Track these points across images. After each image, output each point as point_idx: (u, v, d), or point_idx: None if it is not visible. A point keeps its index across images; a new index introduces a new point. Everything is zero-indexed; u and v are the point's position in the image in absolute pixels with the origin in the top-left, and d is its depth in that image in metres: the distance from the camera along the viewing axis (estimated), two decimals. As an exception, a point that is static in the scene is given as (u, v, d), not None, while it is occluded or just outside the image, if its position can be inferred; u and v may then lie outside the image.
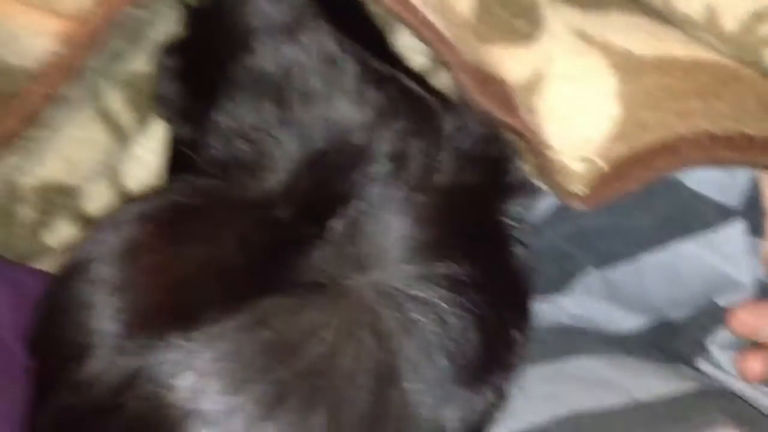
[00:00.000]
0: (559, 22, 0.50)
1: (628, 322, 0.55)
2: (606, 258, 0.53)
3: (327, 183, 0.45)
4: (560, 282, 0.54)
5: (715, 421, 0.44)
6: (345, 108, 0.47)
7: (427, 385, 0.42)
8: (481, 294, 0.45)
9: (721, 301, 0.51)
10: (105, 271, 0.42)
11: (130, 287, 0.42)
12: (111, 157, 0.56)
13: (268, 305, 0.41)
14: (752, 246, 0.50)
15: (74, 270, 0.43)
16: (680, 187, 0.50)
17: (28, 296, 0.50)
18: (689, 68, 0.48)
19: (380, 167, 0.45)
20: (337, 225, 0.44)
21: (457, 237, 0.45)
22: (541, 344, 0.50)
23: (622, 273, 0.53)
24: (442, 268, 0.44)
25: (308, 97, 0.47)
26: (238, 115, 0.48)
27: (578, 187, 0.48)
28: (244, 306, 0.41)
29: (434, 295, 0.43)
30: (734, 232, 0.49)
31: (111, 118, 0.55)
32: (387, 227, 0.44)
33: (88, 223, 0.58)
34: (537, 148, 0.49)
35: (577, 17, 0.50)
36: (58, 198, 0.56)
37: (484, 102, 0.49)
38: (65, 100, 0.50)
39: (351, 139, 0.46)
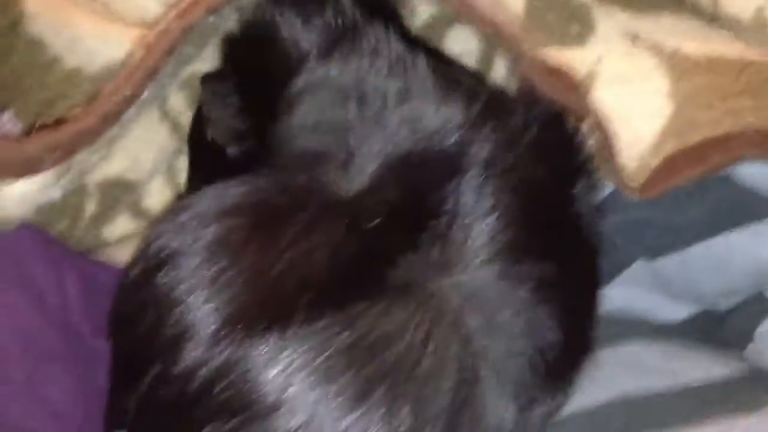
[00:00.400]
0: (610, 24, 0.51)
1: (674, 312, 0.55)
2: (655, 249, 0.54)
3: (418, 191, 0.45)
4: (608, 273, 0.55)
5: (765, 404, 0.44)
6: (428, 109, 0.47)
7: (509, 386, 0.43)
8: (562, 291, 0.46)
9: None
10: (199, 266, 0.43)
11: (227, 284, 0.42)
12: (170, 154, 0.58)
13: (356, 308, 0.42)
14: None
15: (162, 262, 0.44)
16: (730, 182, 0.51)
17: (94, 284, 0.52)
18: (738, 66, 0.48)
19: (473, 174, 0.46)
20: (426, 236, 0.44)
21: (536, 234, 0.46)
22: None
23: (671, 264, 0.53)
24: (525, 267, 0.45)
25: (387, 99, 0.48)
26: (315, 115, 0.48)
27: (633, 182, 0.49)
28: (333, 308, 0.42)
29: (518, 295, 0.44)
30: None
31: (173, 117, 0.57)
32: (473, 231, 0.44)
33: (145, 218, 0.60)
34: (602, 135, 0.50)
35: (627, 20, 0.51)
36: (120, 193, 0.58)
37: (552, 90, 0.49)
38: (139, 101, 0.52)
39: (443, 144, 0.46)
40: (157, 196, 0.59)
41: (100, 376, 0.50)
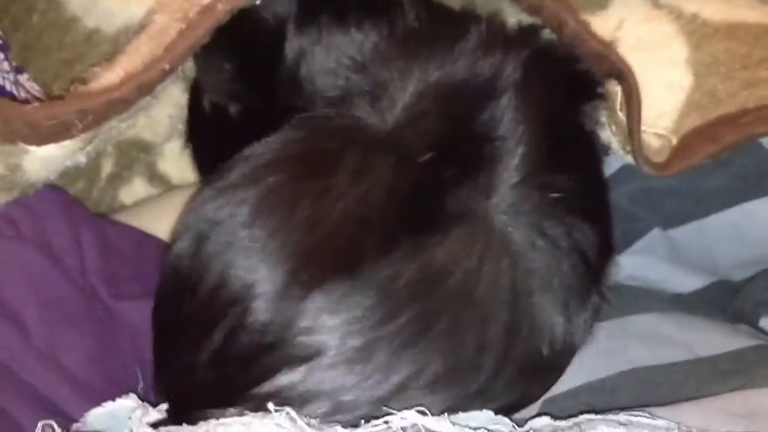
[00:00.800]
0: None
1: (689, 282, 0.55)
2: (673, 218, 0.53)
3: (461, 119, 0.46)
4: (622, 243, 0.55)
5: (776, 375, 0.44)
6: (452, 39, 0.48)
7: (557, 297, 0.45)
8: (587, 197, 0.48)
9: None
10: (252, 224, 0.43)
11: (285, 237, 0.43)
12: (184, 112, 0.58)
13: (419, 243, 0.43)
14: None
15: (213, 227, 0.44)
16: (757, 147, 0.50)
17: (111, 246, 0.52)
18: (758, 33, 0.48)
19: (508, 97, 0.46)
20: (473, 162, 0.45)
21: (559, 149, 0.47)
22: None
23: (688, 232, 0.53)
24: (554, 179, 0.46)
25: (406, 35, 0.48)
26: (331, 60, 0.49)
27: (656, 159, 0.49)
28: (397, 247, 0.42)
29: (551, 206, 0.45)
30: None
31: (186, 75, 0.56)
32: (507, 151, 0.45)
33: (162, 182, 0.60)
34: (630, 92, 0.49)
35: None
36: (136, 153, 0.58)
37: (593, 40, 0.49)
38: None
39: (475, 71, 0.47)
40: (172, 161, 0.59)
41: (118, 337, 0.50)
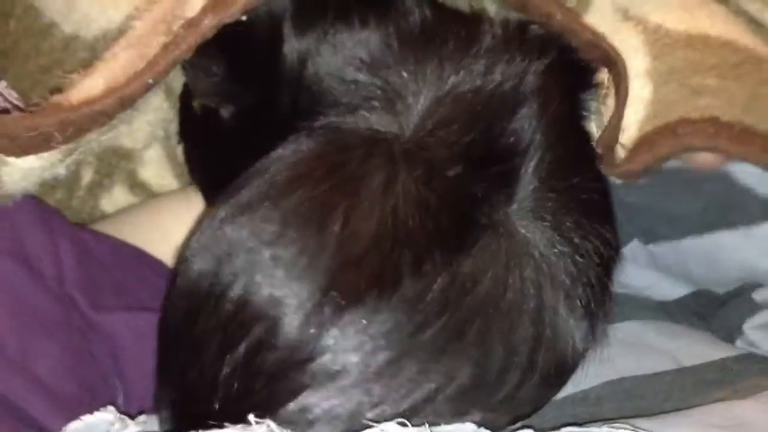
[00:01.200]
0: None
1: (672, 290, 0.55)
2: (649, 235, 0.54)
3: (485, 129, 0.45)
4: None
5: (760, 385, 0.44)
6: (465, 45, 0.46)
7: (578, 302, 0.44)
8: (596, 195, 0.47)
9: (757, 296, 0.51)
10: (284, 241, 0.42)
11: (315, 256, 0.41)
12: (165, 120, 0.57)
13: (452, 256, 0.42)
14: None
15: (236, 247, 0.43)
16: (728, 178, 0.50)
17: (92, 256, 0.51)
18: (717, 45, 0.47)
19: (529, 105, 0.46)
20: (498, 171, 0.45)
21: (569, 150, 0.47)
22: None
23: (664, 249, 0.53)
24: (567, 182, 0.45)
25: (422, 31, 0.47)
26: (339, 62, 0.47)
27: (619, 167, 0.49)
28: (425, 262, 0.42)
29: (568, 208, 0.45)
30: None
31: (166, 81, 0.55)
32: (526, 157, 0.45)
33: (143, 191, 0.59)
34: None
35: None
36: (116, 160, 0.57)
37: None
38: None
39: (495, 78, 0.46)
40: (152, 168, 0.58)
41: (96, 347, 0.49)
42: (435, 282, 0.41)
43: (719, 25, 0.48)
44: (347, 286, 0.41)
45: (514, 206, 0.44)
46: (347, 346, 0.41)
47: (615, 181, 0.51)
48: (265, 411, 0.40)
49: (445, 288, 0.41)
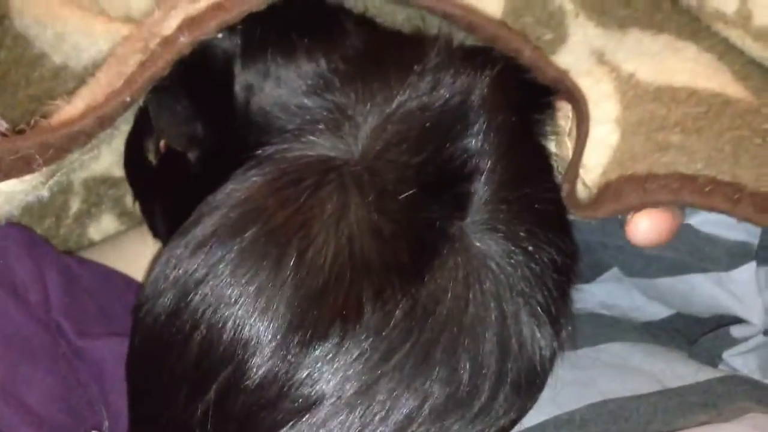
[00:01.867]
0: (580, 38, 0.50)
1: (657, 310, 0.55)
2: (627, 269, 0.54)
3: (435, 147, 0.44)
4: (591, 272, 0.55)
5: (743, 408, 0.44)
6: (411, 62, 0.46)
7: (540, 309, 0.44)
8: (550, 205, 0.46)
9: (735, 332, 0.51)
10: (237, 282, 0.41)
11: (274, 294, 0.41)
12: None
13: (413, 281, 0.42)
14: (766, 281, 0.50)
15: (196, 284, 0.42)
16: (690, 230, 0.50)
17: (79, 283, 0.51)
18: (683, 98, 0.47)
19: (476, 119, 0.45)
20: (451, 190, 0.44)
21: (524, 166, 0.47)
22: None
23: (642, 283, 0.54)
24: (519, 192, 0.45)
25: (366, 53, 0.47)
26: (283, 95, 0.46)
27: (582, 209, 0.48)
28: (394, 289, 0.41)
29: (521, 218, 0.45)
30: (745, 275, 0.49)
31: None
32: (478, 170, 0.44)
33: (131, 218, 0.59)
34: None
35: (597, 36, 0.50)
36: (105, 190, 0.57)
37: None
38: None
39: (441, 95, 0.45)
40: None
41: (83, 374, 0.49)
42: (397, 308, 0.41)
43: (687, 75, 0.48)
44: (310, 320, 0.40)
45: (468, 220, 0.44)
46: (317, 380, 0.40)
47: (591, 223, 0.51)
48: None
49: (407, 313, 0.41)
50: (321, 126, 0.44)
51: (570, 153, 0.48)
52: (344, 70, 0.46)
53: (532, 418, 0.45)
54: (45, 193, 0.47)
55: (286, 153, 0.44)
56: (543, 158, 0.49)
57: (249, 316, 0.41)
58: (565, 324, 0.46)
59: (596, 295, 0.56)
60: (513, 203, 0.45)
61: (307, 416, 0.40)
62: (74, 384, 0.48)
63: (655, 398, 0.45)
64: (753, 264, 0.49)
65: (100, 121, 0.44)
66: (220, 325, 0.41)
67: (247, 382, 0.40)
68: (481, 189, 0.44)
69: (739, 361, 0.50)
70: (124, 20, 0.54)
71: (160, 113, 0.50)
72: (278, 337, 0.40)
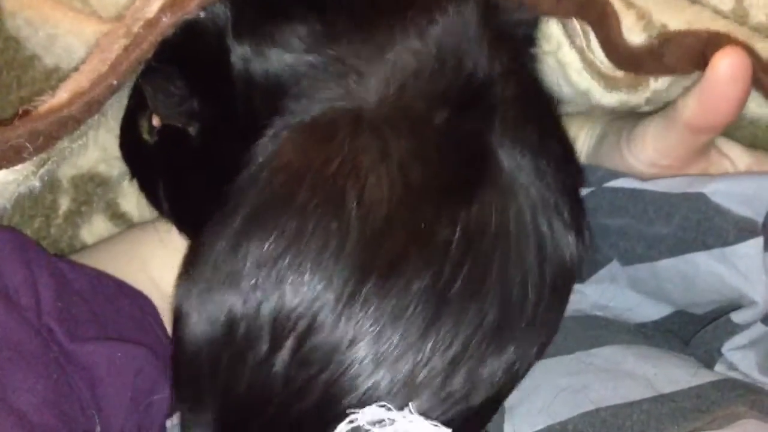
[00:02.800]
0: None
1: (651, 311, 0.54)
2: (627, 257, 0.52)
3: (458, 72, 0.45)
4: (586, 270, 0.54)
5: (737, 413, 0.43)
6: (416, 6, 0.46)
7: (564, 216, 0.46)
8: (560, 134, 0.50)
9: (736, 317, 0.49)
10: (305, 238, 0.41)
11: (346, 238, 0.41)
12: None
13: (453, 207, 0.42)
14: None
15: (266, 255, 0.41)
16: (702, 199, 0.49)
17: (70, 287, 0.50)
18: None
19: (485, 42, 0.46)
20: (484, 109, 0.45)
21: (530, 83, 0.49)
22: (565, 334, 0.49)
23: (642, 271, 0.52)
24: (536, 112, 0.47)
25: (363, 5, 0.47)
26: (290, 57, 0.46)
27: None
28: (443, 217, 0.42)
29: (542, 137, 0.46)
30: (752, 250, 0.48)
31: None
32: (495, 86, 0.46)
33: (124, 221, 0.58)
34: None
35: None
36: (93, 188, 0.56)
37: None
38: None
39: (448, 27, 0.46)
40: (133, 199, 0.57)
41: (75, 378, 0.48)
42: (455, 233, 0.41)
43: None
44: (383, 257, 0.41)
45: (498, 132, 0.45)
46: (387, 317, 0.40)
47: (593, 205, 0.51)
48: (327, 403, 0.41)
49: (463, 236, 0.41)
50: (330, 81, 0.44)
51: (597, 59, 0.49)
52: (339, 22, 0.46)
53: (524, 428, 0.44)
54: (36, 183, 0.47)
55: (304, 115, 0.44)
56: (543, 89, 0.51)
57: (316, 275, 0.41)
58: (586, 229, 0.48)
59: (590, 296, 0.55)
60: (530, 118, 0.46)
61: (387, 358, 0.41)
62: (66, 389, 0.47)
63: (648, 405, 0.44)
64: (760, 239, 0.47)
65: (88, 106, 0.44)
66: (287, 297, 0.41)
67: (322, 333, 0.41)
68: (501, 104, 0.45)
69: (738, 355, 0.49)
70: (116, 21, 0.53)
71: (155, 96, 0.50)
72: (350, 282, 0.40)
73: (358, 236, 0.41)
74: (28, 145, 0.43)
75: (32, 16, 0.54)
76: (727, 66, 0.44)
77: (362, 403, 0.41)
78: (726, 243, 0.48)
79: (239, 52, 0.46)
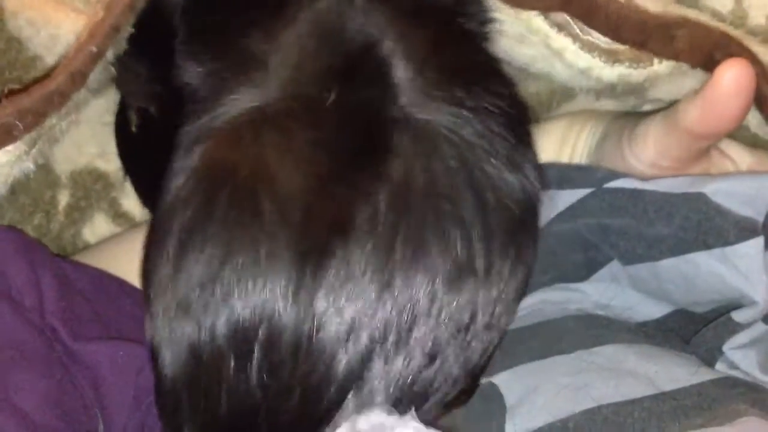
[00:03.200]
0: None
1: (652, 309, 0.54)
2: (627, 257, 0.52)
3: (339, 45, 0.45)
4: (586, 270, 0.54)
5: (737, 411, 0.42)
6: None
7: (499, 155, 0.45)
8: (485, 70, 0.48)
9: (737, 316, 0.49)
10: (235, 248, 0.41)
11: (272, 238, 0.41)
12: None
13: (373, 176, 0.42)
14: None
15: (202, 273, 0.41)
16: (703, 199, 0.49)
17: (73, 287, 0.50)
18: None
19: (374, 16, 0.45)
20: (377, 86, 0.44)
21: (431, 36, 0.47)
22: (566, 333, 0.49)
23: (642, 271, 0.52)
24: (446, 62, 0.46)
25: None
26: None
27: None
28: (361, 187, 0.42)
29: (455, 85, 0.45)
30: (752, 250, 0.48)
31: None
32: (390, 55, 0.45)
33: (127, 220, 0.58)
34: None
35: None
36: (92, 183, 0.56)
37: None
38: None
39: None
40: (135, 198, 0.57)
41: (78, 378, 0.47)
42: (378, 201, 0.41)
43: None
44: (310, 246, 0.40)
45: (403, 100, 0.44)
46: (341, 299, 0.41)
47: (593, 205, 0.50)
48: (311, 398, 0.41)
49: (389, 202, 0.41)
50: (235, 80, 0.44)
51: (595, 38, 0.48)
52: (234, 15, 0.46)
53: (525, 426, 0.44)
54: (30, 165, 0.47)
55: (212, 123, 0.44)
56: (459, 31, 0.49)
57: (256, 276, 0.40)
58: (531, 167, 0.46)
59: (591, 295, 0.55)
60: (438, 71, 0.45)
61: (347, 339, 0.41)
62: (69, 389, 0.47)
63: (649, 402, 0.44)
64: (760, 239, 0.47)
65: (72, 78, 0.44)
66: (236, 302, 0.41)
67: (282, 328, 0.40)
68: (402, 71, 0.44)
69: (740, 355, 0.48)
70: None
71: (126, 76, 0.50)
72: (291, 275, 0.40)
73: (283, 235, 0.40)
74: (17, 123, 0.43)
75: (34, 16, 0.54)
76: (731, 78, 0.44)
77: (343, 391, 0.41)
78: (726, 243, 0.48)
79: (180, 46, 0.47)
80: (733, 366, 0.48)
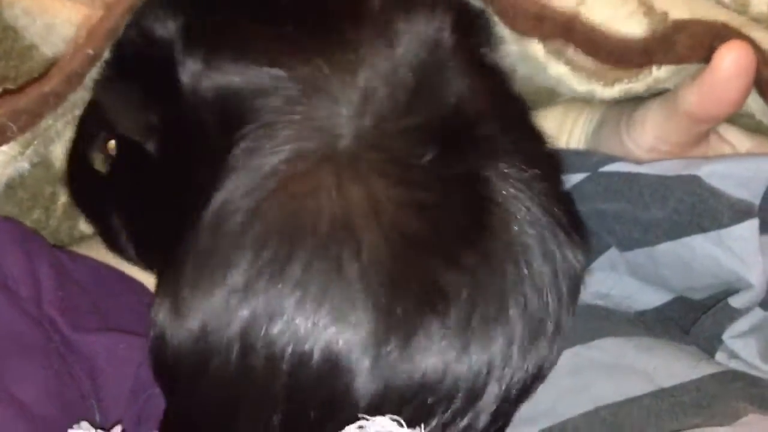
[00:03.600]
0: None
1: (651, 298, 0.53)
2: (624, 242, 0.52)
3: (432, 105, 0.41)
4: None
5: (737, 410, 0.42)
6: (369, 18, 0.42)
7: (569, 235, 0.44)
8: (544, 153, 0.47)
9: (734, 302, 0.49)
10: (310, 299, 0.38)
11: (354, 303, 0.38)
12: None
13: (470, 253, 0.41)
14: (766, 245, 0.48)
15: (272, 316, 0.39)
16: (696, 182, 0.48)
17: (71, 277, 0.49)
18: None
19: (451, 62, 0.43)
20: (469, 142, 0.43)
21: (509, 102, 0.47)
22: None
23: (640, 256, 0.51)
24: (522, 136, 0.45)
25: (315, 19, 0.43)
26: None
27: None
28: (453, 262, 0.40)
29: (531, 162, 0.44)
30: (747, 232, 0.47)
31: None
32: (479, 111, 0.43)
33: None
34: None
35: None
36: None
37: None
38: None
39: (409, 46, 0.42)
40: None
41: (76, 368, 0.47)
42: (467, 273, 0.40)
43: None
44: (397, 318, 0.38)
45: (492, 170, 0.42)
46: (425, 371, 0.39)
47: (589, 190, 0.50)
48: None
49: (473, 274, 0.40)
50: (297, 107, 0.40)
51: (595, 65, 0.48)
52: (298, 36, 0.41)
53: (527, 428, 0.44)
54: (25, 164, 0.46)
55: (271, 151, 0.39)
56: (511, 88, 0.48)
57: (335, 335, 0.38)
58: (584, 230, 0.47)
59: (590, 285, 0.54)
60: (517, 140, 0.44)
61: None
62: (67, 379, 0.47)
63: (647, 401, 0.43)
64: (755, 221, 0.47)
65: (68, 79, 0.43)
66: (305, 357, 0.38)
67: (353, 398, 0.38)
68: (491, 131, 0.42)
69: (740, 344, 0.48)
70: None
71: (114, 103, 0.47)
72: (371, 345, 0.38)
73: (366, 301, 0.38)
74: (11, 124, 0.42)
75: (30, 5, 0.53)
76: (731, 61, 0.44)
77: None
78: (721, 225, 0.47)
79: (188, 68, 0.42)
80: (733, 355, 0.48)
